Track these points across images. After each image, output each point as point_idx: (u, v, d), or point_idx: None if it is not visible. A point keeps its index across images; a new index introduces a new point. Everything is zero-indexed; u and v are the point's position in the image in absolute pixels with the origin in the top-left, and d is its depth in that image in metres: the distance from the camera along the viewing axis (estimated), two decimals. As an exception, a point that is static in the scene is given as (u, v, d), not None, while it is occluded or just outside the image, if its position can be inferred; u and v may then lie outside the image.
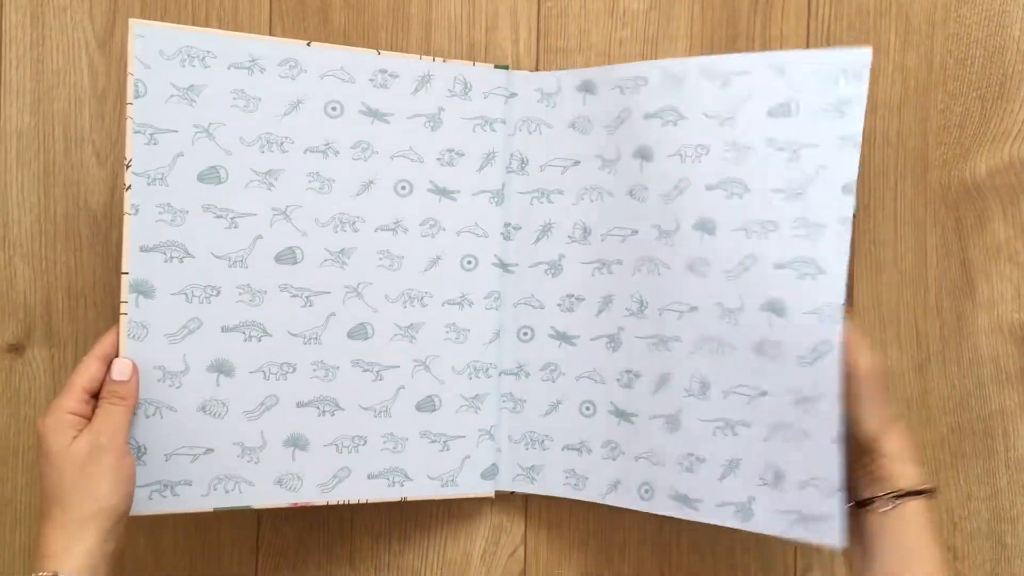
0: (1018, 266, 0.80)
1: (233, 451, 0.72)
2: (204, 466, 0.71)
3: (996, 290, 0.81)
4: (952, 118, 0.81)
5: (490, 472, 0.78)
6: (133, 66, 0.69)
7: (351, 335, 0.75)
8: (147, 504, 0.70)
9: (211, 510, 0.71)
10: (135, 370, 0.68)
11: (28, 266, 0.81)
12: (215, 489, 0.71)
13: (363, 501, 0.75)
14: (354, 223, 0.75)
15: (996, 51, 0.80)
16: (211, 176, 0.71)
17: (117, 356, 0.69)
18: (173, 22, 0.80)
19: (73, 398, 0.66)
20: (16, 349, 0.81)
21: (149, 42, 0.69)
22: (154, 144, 0.70)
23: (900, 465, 0.67)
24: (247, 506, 0.72)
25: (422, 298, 0.77)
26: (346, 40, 0.82)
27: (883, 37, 0.81)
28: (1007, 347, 0.80)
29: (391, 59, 0.75)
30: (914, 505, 0.66)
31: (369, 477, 0.75)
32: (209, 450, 0.71)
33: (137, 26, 0.69)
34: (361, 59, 0.74)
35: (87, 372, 0.67)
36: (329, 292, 0.74)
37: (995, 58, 0.80)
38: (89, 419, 0.66)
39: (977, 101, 0.81)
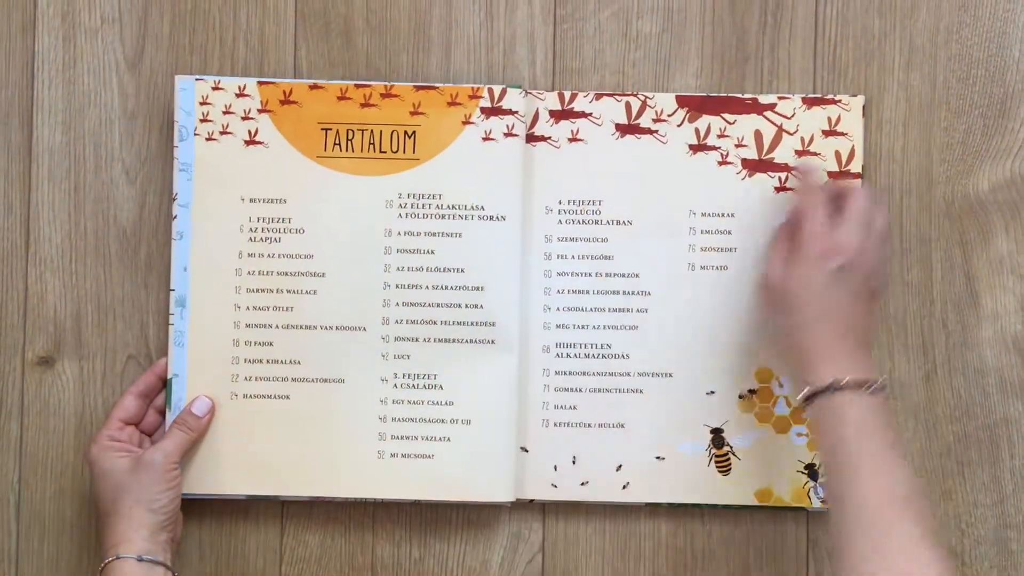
0: (1021, 279, 0.83)
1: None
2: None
3: (1000, 302, 0.83)
4: (955, 135, 0.83)
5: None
6: (177, 114, 0.81)
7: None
8: (187, 485, 0.80)
9: (243, 496, 0.81)
10: (211, 410, 0.80)
11: (58, 281, 0.83)
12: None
13: (382, 499, 0.81)
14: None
15: (997, 70, 0.83)
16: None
17: (143, 392, 0.80)
18: (200, 44, 0.84)
19: (113, 427, 0.78)
20: (46, 362, 0.83)
21: (190, 93, 0.81)
22: (195, 179, 0.81)
23: (803, 371, 0.72)
24: (275, 496, 0.81)
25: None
26: (368, 61, 0.84)
27: (887, 57, 0.84)
28: (1011, 358, 0.83)
29: (403, 88, 0.82)
30: (823, 404, 0.70)
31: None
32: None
33: (180, 80, 0.82)
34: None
35: (124, 406, 0.79)
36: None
37: (996, 77, 0.83)
38: (126, 443, 0.78)
39: (979, 119, 0.83)
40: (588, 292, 0.82)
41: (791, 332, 0.73)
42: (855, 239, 0.73)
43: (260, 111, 0.81)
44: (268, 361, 0.81)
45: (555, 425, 0.82)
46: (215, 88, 0.81)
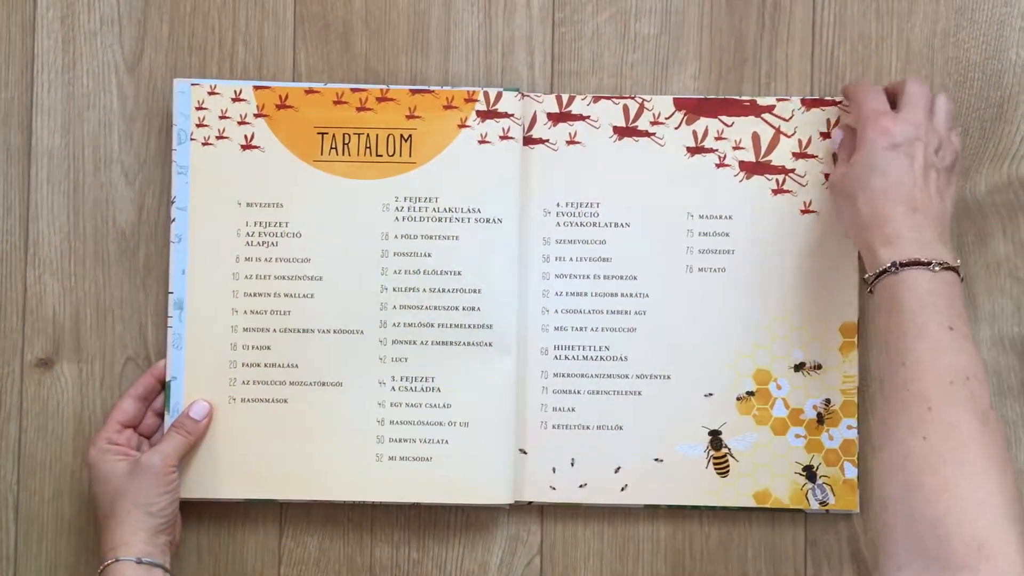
0: (1018, 281, 0.83)
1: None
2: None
3: (997, 305, 0.83)
4: (952, 138, 0.83)
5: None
6: (175, 117, 0.81)
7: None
8: (185, 489, 0.80)
9: (241, 500, 0.81)
10: (209, 414, 0.80)
11: (57, 283, 0.83)
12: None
13: (380, 501, 0.81)
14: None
15: (994, 74, 0.83)
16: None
17: (141, 394, 0.80)
18: (200, 46, 0.84)
19: (111, 430, 0.78)
20: (45, 364, 0.83)
21: (187, 96, 0.81)
22: (192, 183, 0.81)
23: (869, 255, 0.70)
24: (272, 499, 0.81)
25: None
26: (367, 64, 0.84)
27: (885, 61, 0.84)
28: (1008, 360, 0.83)
29: (398, 91, 0.82)
30: (883, 285, 0.68)
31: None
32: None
33: (179, 83, 0.82)
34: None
35: (123, 409, 0.79)
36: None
37: (993, 81, 0.83)
38: (124, 446, 0.78)
39: (976, 122, 0.83)
40: (586, 294, 0.82)
41: (857, 217, 0.71)
42: (914, 117, 0.73)
43: (256, 115, 0.81)
44: (266, 365, 0.81)
45: (553, 427, 0.82)
46: (211, 92, 0.81)
